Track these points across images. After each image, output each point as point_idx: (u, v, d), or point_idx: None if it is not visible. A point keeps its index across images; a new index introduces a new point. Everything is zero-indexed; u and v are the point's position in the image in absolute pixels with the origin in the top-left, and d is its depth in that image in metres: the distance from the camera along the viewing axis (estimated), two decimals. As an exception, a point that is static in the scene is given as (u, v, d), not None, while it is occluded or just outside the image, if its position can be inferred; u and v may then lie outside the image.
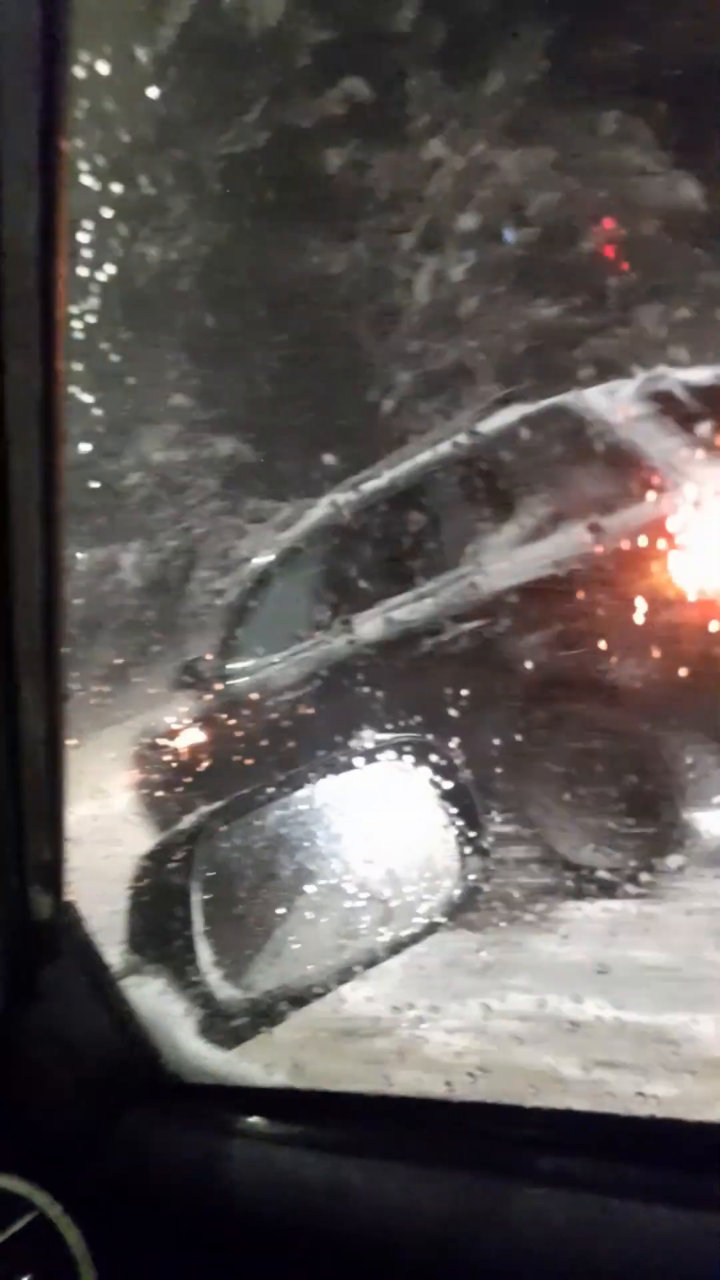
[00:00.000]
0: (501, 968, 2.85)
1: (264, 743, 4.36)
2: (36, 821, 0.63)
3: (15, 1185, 0.71)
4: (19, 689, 0.53)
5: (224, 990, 0.79)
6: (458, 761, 0.88)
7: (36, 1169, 0.73)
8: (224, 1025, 0.78)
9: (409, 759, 0.88)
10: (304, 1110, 0.72)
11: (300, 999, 0.82)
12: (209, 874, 0.80)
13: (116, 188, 9.87)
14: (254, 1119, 0.72)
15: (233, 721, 4.70)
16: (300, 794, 0.86)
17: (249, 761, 4.34)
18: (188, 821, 0.82)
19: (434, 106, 9.81)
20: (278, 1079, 0.77)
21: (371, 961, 0.84)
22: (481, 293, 9.72)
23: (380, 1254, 0.58)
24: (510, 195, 9.41)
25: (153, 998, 0.77)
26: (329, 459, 7.08)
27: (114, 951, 0.80)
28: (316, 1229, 0.63)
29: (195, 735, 5.00)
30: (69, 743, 0.65)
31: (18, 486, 0.45)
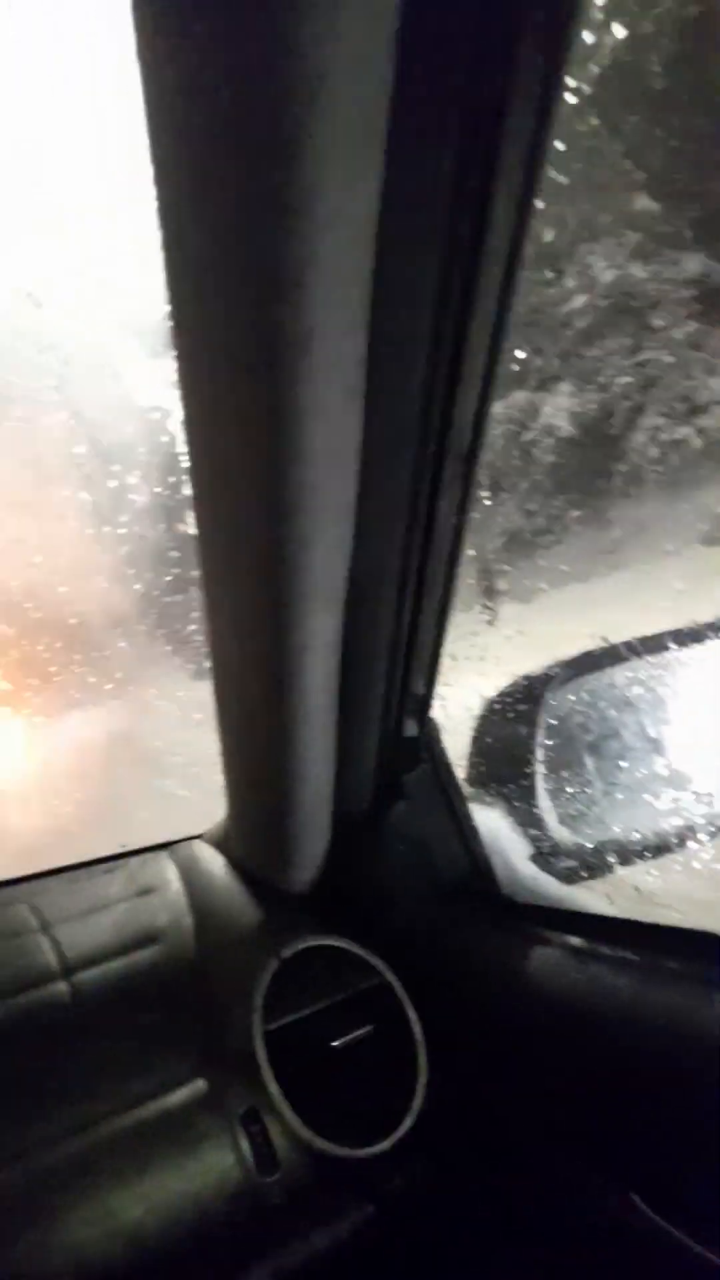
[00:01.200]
0: None
1: None
2: (420, 657, 0.82)
3: (367, 955, 0.96)
4: (429, 558, 0.69)
5: (559, 831, 0.95)
6: None
7: (385, 946, 0.97)
8: (554, 861, 0.94)
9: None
10: (619, 936, 0.86)
11: (630, 856, 0.95)
12: (557, 722, 0.95)
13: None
14: (572, 938, 0.88)
15: None
16: (655, 659, 0.96)
17: None
18: (540, 669, 0.97)
19: None
20: (598, 906, 0.92)
21: (708, 835, 0.94)
22: None
23: (673, 1067, 0.71)
24: None
25: (494, 821, 0.96)
26: None
27: (465, 775, 0.99)
28: (616, 1044, 0.77)
29: None
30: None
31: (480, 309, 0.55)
